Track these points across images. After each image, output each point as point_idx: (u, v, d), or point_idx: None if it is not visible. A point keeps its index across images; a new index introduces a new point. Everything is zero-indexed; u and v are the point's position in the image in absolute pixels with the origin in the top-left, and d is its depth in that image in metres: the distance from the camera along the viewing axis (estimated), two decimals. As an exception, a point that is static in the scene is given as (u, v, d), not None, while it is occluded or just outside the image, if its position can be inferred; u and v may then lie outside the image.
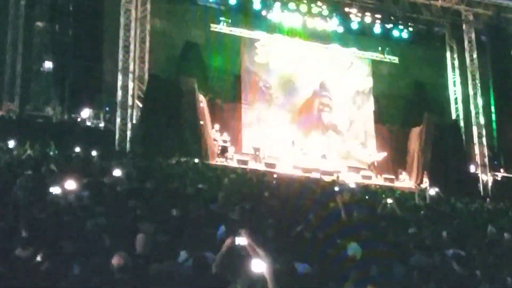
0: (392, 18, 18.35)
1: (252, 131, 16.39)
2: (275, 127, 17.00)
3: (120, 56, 14.80)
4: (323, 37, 18.04)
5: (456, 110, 18.55)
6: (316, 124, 17.70)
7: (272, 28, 17.61)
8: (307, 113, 17.71)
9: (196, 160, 12.45)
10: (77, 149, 10.65)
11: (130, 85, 14.83)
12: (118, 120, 14.61)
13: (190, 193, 6.61)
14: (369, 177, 16.17)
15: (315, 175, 14.11)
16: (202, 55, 16.38)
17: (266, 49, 17.70)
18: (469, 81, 18.05)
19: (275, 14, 17.41)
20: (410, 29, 18.83)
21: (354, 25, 18.26)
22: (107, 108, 15.74)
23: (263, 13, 17.37)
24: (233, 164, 14.75)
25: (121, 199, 5.34)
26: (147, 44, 15.49)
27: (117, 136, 14.45)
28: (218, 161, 14.99)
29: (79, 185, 5.35)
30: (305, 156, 16.00)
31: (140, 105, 14.92)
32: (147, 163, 9.93)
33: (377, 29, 18.58)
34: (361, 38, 18.60)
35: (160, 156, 11.68)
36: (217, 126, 15.75)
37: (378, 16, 18.20)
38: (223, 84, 16.92)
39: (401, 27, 18.70)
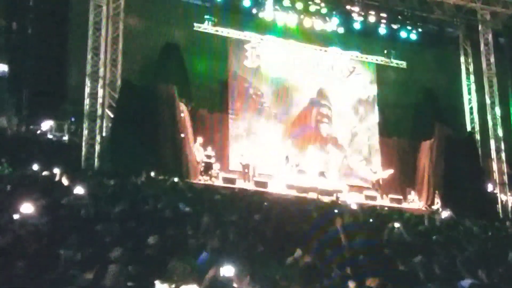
0: (399, 17, 18.57)
1: (241, 145, 16.44)
2: (267, 141, 17.13)
3: (89, 59, 14.77)
4: (321, 39, 18.29)
5: (471, 121, 18.82)
6: (314, 137, 17.86)
7: (264, 28, 17.73)
8: (304, 124, 17.87)
9: (176, 179, 12.41)
10: (35, 167, 10.52)
11: (100, 92, 14.81)
12: (85, 132, 14.57)
13: (168, 217, 6.60)
14: (374, 198, 16.28)
15: (312, 195, 14.20)
16: (184, 59, 16.30)
17: (257, 52, 17.90)
18: (486, 89, 18.15)
19: (267, 13, 17.57)
20: (420, 30, 18.98)
21: (357, 26, 18.43)
22: (72, 119, 15.79)
23: (254, 11, 17.51)
24: (219, 183, 14.81)
25: (87, 224, 5.29)
26: (120, 45, 15.55)
27: (83, 151, 14.40)
28: (201, 179, 15.03)
29: (37, 208, 5.31)
30: (301, 174, 16.04)
31: (111, 115, 14.92)
32: (118, 182, 9.90)
33: (382, 30, 18.73)
34: (364, 40, 18.83)
35: (133, 174, 11.65)
36: (200, 140, 15.72)
37: (384, 15, 18.42)
38: (207, 92, 16.98)
39: (409, 27, 18.88)
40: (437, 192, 16.65)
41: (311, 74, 18.30)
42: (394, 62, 19.16)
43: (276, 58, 17.99)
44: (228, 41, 17.47)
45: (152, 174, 12.71)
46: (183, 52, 16.40)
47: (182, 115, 15.31)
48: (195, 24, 16.90)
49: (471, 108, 18.89)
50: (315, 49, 18.44)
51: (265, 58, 17.90)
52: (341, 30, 18.42)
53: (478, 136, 18.43)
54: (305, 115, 17.92)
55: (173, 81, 15.42)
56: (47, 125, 15.16)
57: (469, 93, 19.00)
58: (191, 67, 16.54)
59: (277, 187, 15.15)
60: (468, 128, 18.61)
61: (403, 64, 19.21)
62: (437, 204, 16.30)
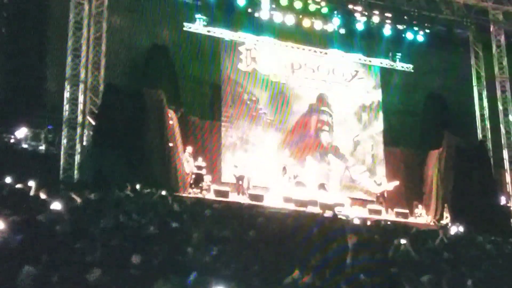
0: (405, 17, 18.64)
1: (234, 155, 16.45)
2: (263, 150, 17.13)
3: (68, 61, 14.73)
4: (321, 40, 18.40)
5: (482, 129, 18.86)
6: (313, 147, 17.87)
7: (260, 29, 17.81)
8: (302, 132, 17.87)
9: (163, 192, 12.28)
10: (8, 179, 10.34)
11: (80, 97, 14.77)
12: (63, 141, 14.47)
13: (154, 234, 6.57)
14: (378, 212, 16.24)
15: (311, 209, 14.20)
16: (173, 61, 16.44)
17: (252, 54, 18.00)
18: (498, 94, 18.24)
19: (264, 12, 17.59)
20: (427, 31, 19.04)
21: (360, 26, 18.50)
22: (49, 127, 15.57)
23: (249, 10, 17.57)
24: (210, 196, 14.75)
25: (65, 241, 5.25)
26: (103, 46, 15.54)
27: (62, 162, 14.29)
28: (191, 192, 14.94)
29: (9, 225, 5.24)
30: (300, 186, 16.08)
31: (93, 122, 14.85)
32: (100, 196, 9.83)
33: (387, 31, 18.83)
34: (367, 41, 18.91)
35: (117, 187, 11.54)
36: (190, 149, 15.67)
37: (389, 15, 18.48)
38: (198, 97, 17.06)
39: (416, 28, 18.95)
40: (446, 205, 16.60)
41: (311, 79, 18.43)
42: (400, 66, 19.24)
43: (272, 61, 18.09)
44: (221, 42, 17.58)
45: (138, 187, 12.54)
46: (172, 54, 16.53)
47: (170, 122, 15.27)
48: (185, 24, 16.98)
49: (482, 115, 18.99)
50: (315, 51, 18.61)
51: (261, 61, 18.00)
52: (342, 31, 18.54)
53: (489, 145, 18.47)
54: (304, 123, 17.97)
55: (161, 86, 15.42)
56: (21, 133, 14.95)
57: (480, 99, 19.10)
58: (180, 70, 16.70)
59: (274, 200, 15.16)
60: (479, 137, 18.66)
61: (409, 67, 19.32)
62: (446, 218, 16.26)
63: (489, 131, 18.70)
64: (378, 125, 18.90)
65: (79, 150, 14.51)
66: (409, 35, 18.99)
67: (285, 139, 17.58)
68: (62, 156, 14.33)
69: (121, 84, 15.44)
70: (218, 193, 15.00)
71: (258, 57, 17.99)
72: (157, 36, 16.55)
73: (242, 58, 17.81)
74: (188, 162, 15.58)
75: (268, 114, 17.58)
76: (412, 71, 19.30)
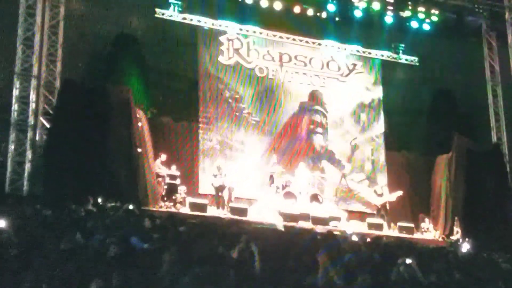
0: (409, 3, 18.78)
1: (214, 163, 16.22)
2: (247, 156, 17.10)
3: (19, 53, 14.54)
4: (314, 30, 18.48)
5: (497, 130, 18.99)
6: (305, 152, 17.86)
7: (244, 16, 17.83)
8: (293, 135, 17.87)
9: (130, 206, 12.02)
10: None
11: (33, 95, 14.61)
12: (11, 147, 14.23)
13: (119, 255, 6.50)
14: (379, 226, 16.19)
15: (303, 224, 14.22)
16: (143, 53, 16.34)
17: (234, 45, 17.90)
18: (515, 90, 18.50)
19: (248, -3, 17.72)
20: (434, 18, 19.11)
21: (358, 13, 18.58)
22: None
23: (232, -6, 17.71)
24: (185, 210, 14.62)
25: (10, 266, 5.16)
26: (60, 36, 15.37)
27: (8, 171, 14.09)
28: (164, 206, 14.81)
29: None
30: (289, 198, 15.90)
31: (47, 125, 14.69)
32: (53, 212, 9.74)
33: (389, 18, 18.91)
34: (367, 31, 18.98)
35: (75, 200, 11.45)
36: (163, 157, 15.55)
37: (391, 1, 18.64)
38: (172, 95, 16.98)
39: (421, 16, 18.98)
40: (456, 218, 16.69)
41: (302, 73, 18.43)
42: (404, 58, 19.32)
43: (258, 53, 18.06)
44: (199, 31, 17.41)
45: (100, 200, 12.55)
46: (142, 45, 16.41)
47: (139, 124, 15.14)
48: (157, 10, 16.88)
49: (497, 114, 19.09)
50: (307, 42, 18.58)
51: (245, 52, 17.93)
52: (338, 18, 18.61)
53: (505, 149, 18.60)
54: (295, 124, 17.97)
55: (128, 82, 15.47)
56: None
57: (495, 96, 19.19)
58: (151, 63, 16.63)
59: (259, 214, 15.09)
60: (494, 139, 18.80)
61: (414, 60, 19.41)
62: (457, 233, 16.38)
63: (504, 132, 18.82)
64: (379, 126, 18.95)
65: (29, 157, 14.32)
66: (414, 24, 19.10)
67: (272, 143, 17.56)
68: (9, 165, 14.13)
69: (80, 80, 15.23)
70: (194, 206, 14.86)
71: (242, 48, 17.94)
72: (124, 24, 16.51)
73: (223, 49, 17.71)
74: (160, 171, 15.45)
75: (253, 114, 17.54)
76: (418, 64, 19.40)
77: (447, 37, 19.45)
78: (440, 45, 19.48)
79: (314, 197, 16.35)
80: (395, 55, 19.27)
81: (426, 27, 19.19)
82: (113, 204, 12.37)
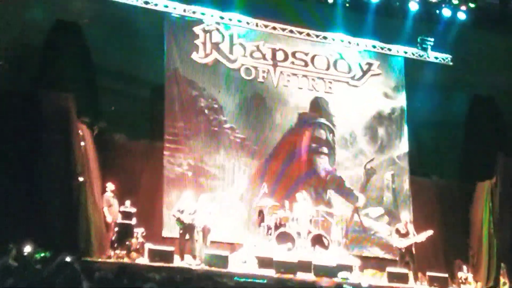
0: (440, -13, 18.51)
1: (184, 194, 15.05)
2: (228, 186, 16.31)
3: None
4: (317, 20, 17.92)
5: (554, 148, 18.32)
6: (306, 179, 17.00)
7: (225, 1, 17.20)
8: (289, 158, 17.05)
9: (67, 258, 11.37)
10: None
11: None
12: None
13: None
14: (403, 278, 15.11)
15: (303, 276, 13.54)
16: (88, 48, 15.48)
17: (213, 38, 17.03)
18: None
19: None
20: (472, 5, 18.46)
21: (374, -1, 18.15)
22: None
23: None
24: (143, 261, 13.64)
25: None
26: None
27: None
28: (114, 255, 13.80)
29: None
30: (284, 241, 14.77)
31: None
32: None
33: (413, 5, 18.17)
34: (386, 21, 18.40)
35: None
36: (112, 186, 14.47)
37: (416, -16, 18.23)
38: (128, 104, 15.97)
39: (455, 1, 18.39)
40: (503, 265, 15.95)
41: (302, 75, 17.71)
42: (433, 56, 18.60)
43: (244, 48, 17.30)
44: (166, 20, 16.56)
45: (27, 249, 11.84)
46: (88, 37, 15.45)
47: (82, 144, 14.13)
48: (108, -9, 16.25)
49: (553, 128, 18.57)
50: (308, 34, 17.87)
51: (227, 48, 17.12)
52: (349, 4, 18.04)
53: None
54: (292, 143, 17.17)
55: (68, 86, 14.45)
56: None
57: (550, 103, 18.62)
58: (101, 62, 15.68)
59: (244, 264, 14.22)
60: (550, 161, 18.32)
61: (446, 58, 18.73)
62: (505, 286, 15.69)
63: None
64: (402, 144, 18.14)
65: None
66: (446, 12, 18.43)
67: (262, 168, 16.70)
68: None
69: (5, 84, 14.50)
70: (156, 255, 13.71)
71: (223, 43, 17.10)
72: (63, 8, 15.53)
73: (198, 44, 16.75)
74: (110, 207, 14.45)
75: (236, 130, 16.72)
76: (451, 63, 18.74)
77: (487, 29, 18.81)
78: (478, 39, 18.67)
79: (318, 240, 15.22)
80: (422, 52, 18.59)
81: (461, 16, 18.49)
82: (43, 254, 11.65)
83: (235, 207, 16.00)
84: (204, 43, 16.80)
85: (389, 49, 18.31)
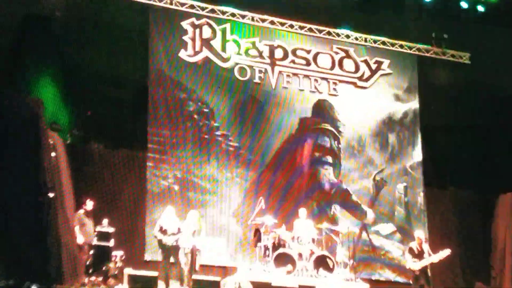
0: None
1: (169, 211, 14.31)
2: (220, 201, 15.90)
3: None
4: (321, 13, 17.63)
5: None
6: (308, 193, 16.63)
7: None
8: (289, 169, 16.73)
9: (34, 287, 11.59)
10: None
11: None
12: None
13: None
14: None
15: None
16: (61, 46, 15.03)
17: (204, 33, 16.71)
18: None
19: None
20: None
21: (384, -8, 18.29)
22: None
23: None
24: None
25: None
26: None
27: None
28: (88, 283, 13.24)
29: None
30: (283, 263, 14.12)
31: None
32: None
33: None
34: (396, 16, 18.03)
35: None
36: (89, 204, 13.93)
37: (430, -29, 18.28)
38: (106, 109, 15.52)
39: None
40: None
41: (303, 76, 17.39)
42: (449, 54, 18.33)
43: (239, 45, 16.98)
44: (149, 12, 16.20)
45: None
46: (61, 32, 15.06)
47: (53, 154, 13.58)
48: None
49: None
50: (310, 29, 17.55)
51: (219, 45, 16.79)
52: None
53: None
54: (292, 151, 16.80)
55: (38, 89, 14.19)
56: None
57: None
58: (75, 61, 15.27)
59: None
60: None
61: (464, 56, 18.43)
62: None
63: None
64: (416, 152, 17.85)
65: None
66: (464, 4, 18.10)
67: (259, 180, 16.31)
68: None
69: None
70: (137, 281, 13.13)
71: (215, 39, 16.74)
72: (33, 0, 15.06)
73: (186, 40, 16.37)
74: (83, 227, 13.83)
75: (230, 138, 16.35)
76: (469, 62, 18.43)
77: (508, 25, 18.43)
78: (499, 36, 18.35)
79: (322, 262, 14.56)
80: (436, 49, 18.29)
81: (481, 9, 18.20)
82: (5, 282, 11.53)
83: (227, 225, 15.64)
84: (193, 39, 16.43)
85: (401, 46, 18.09)
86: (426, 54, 18.24)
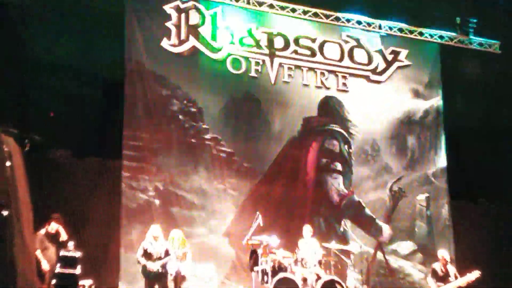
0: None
1: (150, 230, 13.25)
2: (210, 218, 15.04)
3: None
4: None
5: None
6: (313, 206, 15.88)
7: None
8: (291, 178, 16.01)
9: None
10: None
11: None
12: None
13: None
14: None
15: None
16: (19, 33, 14.03)
17: (191, 19, 15.88)
18: None
19: None
20: None
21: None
22: None
23: None
24: None
25: None
26: None
27: None
28: None
29: None
30: None
31: None
32: None
33: None
34: (414, 1, 17.67)
35: None
36: (53, 225, 12.69)
37: None
38: (73, 109, 14.51)
39: None
40: None
41: (307, 68, 16.67)
42: (476, 42, 17.91)
43: (232, 33, 16.19)
44: None
45: None
46: (19, 18, 14.02)
47: (7, 164, 12.25)
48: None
49: None
50: (315, 14, 16.83)
51: (208, 33, 15.89)
52: None
53: None
54: (295, 157, 16.11)
55: None
56: None
57: None
58: (35, 53, 14.22)
59: None
60: None
61: (493, 45, 18.03)
62: None
63: None
64: (439, 158, 17.33)
65: None
66: None
67: (256, 191, 15.47)
68: None
69: None
70: None
71: (204, 26, 15.87)
72: None
73: (170, 27, 15.47)
74: (45, 251, 12.40)
75: (221, 141, 15.56)
76: (499, 51, 17.95)
77: None
78: None
79: (329, 286, 13.52)
80: (462, 37, 17.81)
81: None
82: None
83: (218, 246, 14.67)
84: (178, 26, 15.51)
85: (421, 33, 17.50)
86: (450, 43, 17.71)
